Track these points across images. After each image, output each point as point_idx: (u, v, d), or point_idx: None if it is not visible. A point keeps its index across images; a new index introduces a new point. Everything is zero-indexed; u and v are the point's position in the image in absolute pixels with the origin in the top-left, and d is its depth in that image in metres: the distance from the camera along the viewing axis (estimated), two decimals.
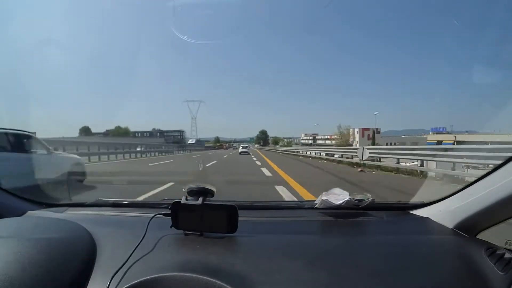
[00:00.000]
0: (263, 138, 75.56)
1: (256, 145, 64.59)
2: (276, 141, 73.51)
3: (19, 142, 3.71)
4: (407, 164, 8.36)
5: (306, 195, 4.21)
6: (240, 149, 24.96)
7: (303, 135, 76.69)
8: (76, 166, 4.44)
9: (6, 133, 3.53)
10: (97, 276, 0.65)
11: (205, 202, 0.80)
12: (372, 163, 9.71)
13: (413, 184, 5.74)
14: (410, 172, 7.36)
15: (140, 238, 0.75)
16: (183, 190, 0.84)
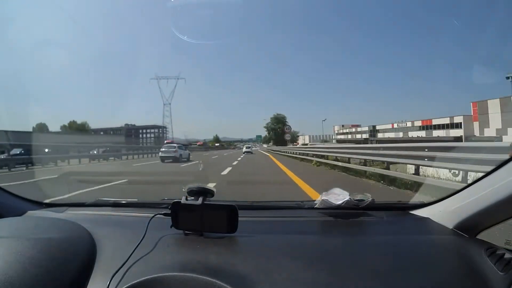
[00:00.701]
0: (278, 129, 36.22)
1: (266, 145, 42.52)
2: (295, 137, 40.09)
3: (182, 147, 15.47)
4: None
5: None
6: (244, 149, 26.64)
7: (337, 128, 51.98)
8: (189, 154, 15.75)
9: (182, 144, 16.83)
10: (97, 276, 0.65)
11: (205, 202, 0.80)
12: None
13: None
14: None
15: (140, 238, 0.75)
16: (183, 190, 0.84)
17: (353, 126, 48.35)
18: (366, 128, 45.57)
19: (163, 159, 13.86)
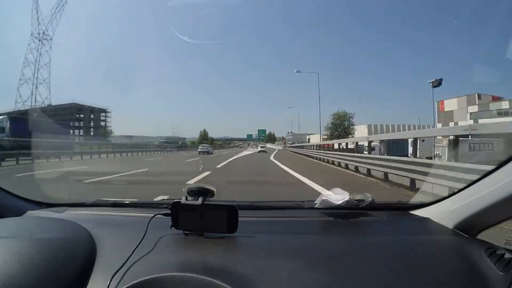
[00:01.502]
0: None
1: (271, 145, 33.30)
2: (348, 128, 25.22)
3: (210, 145, 33.37)
4: None
5: None
6: (259, 149, 31.91)
7: (463, 102, 28.43)
8: (212, 149, 28.83)
9: (205, 145, 32.04)
10: (97, 276, 0.65)
11: (205, 202, 0.80)
12: None
13: None
14: None
15: (140, 238, 0.75)
16: (183, 190, 0.84)
17: (494, 98, 26.47)
18: None
19: (200, 152, 24.17)
